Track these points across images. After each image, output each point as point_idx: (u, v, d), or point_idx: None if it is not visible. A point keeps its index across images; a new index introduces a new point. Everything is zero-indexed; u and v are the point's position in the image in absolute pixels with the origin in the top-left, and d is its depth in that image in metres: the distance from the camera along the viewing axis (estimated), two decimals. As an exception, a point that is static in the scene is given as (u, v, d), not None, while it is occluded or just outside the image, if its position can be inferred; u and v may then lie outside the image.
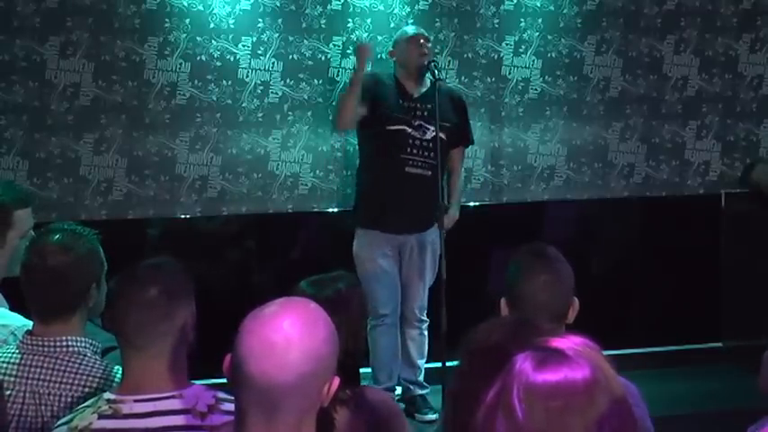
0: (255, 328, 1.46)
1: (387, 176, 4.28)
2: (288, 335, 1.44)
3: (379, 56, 4.68)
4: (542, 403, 1.09)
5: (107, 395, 1.87)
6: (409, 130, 4.26)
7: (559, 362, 1.12)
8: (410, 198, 4.23)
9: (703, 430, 3.97)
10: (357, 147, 4.55)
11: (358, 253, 4.33)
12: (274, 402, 1.44)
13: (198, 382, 1.94)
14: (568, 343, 1.16)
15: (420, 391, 4.44)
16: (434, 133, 4.22)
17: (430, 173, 4.24)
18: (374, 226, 4.30)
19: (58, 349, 2.10)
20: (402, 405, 4.45)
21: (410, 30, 4.43)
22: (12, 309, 2.47)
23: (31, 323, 2.22)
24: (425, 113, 4.29)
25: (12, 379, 2.08)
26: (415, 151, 4.26)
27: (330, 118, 4.65)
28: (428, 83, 4.35)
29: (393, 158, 4.25)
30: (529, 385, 1.10)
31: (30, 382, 2.08)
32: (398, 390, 4.46)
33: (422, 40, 4.32)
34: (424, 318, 4.42)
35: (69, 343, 2.11)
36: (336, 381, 1.52)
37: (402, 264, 4.36)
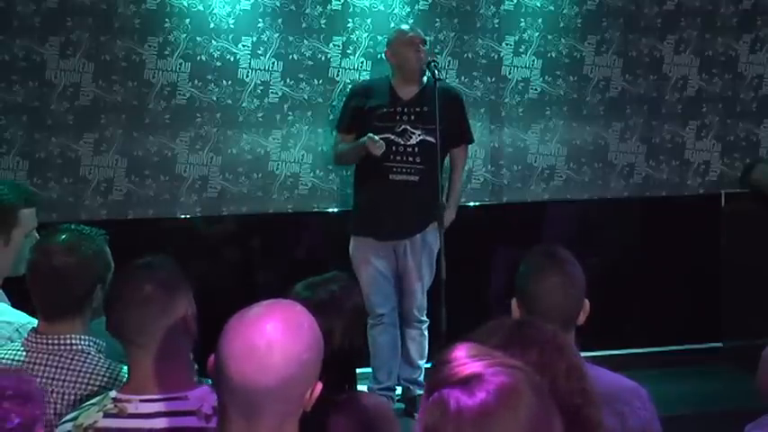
0: (238, 329, 1.45)
1: (372, 186, 4.27)
2: (270, 338, 1.42)
3: (378, 56, 4.67)
4: (489, 425, 1.10)
5: (113, 394, 1.87)
6: (392, 137, 4.21)
7: (483, 383, 1.13)
8: (397, 205, 4.21)
9: (703, 430, 3.97)
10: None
11: (353, 255, 4.33)
12: (255, 405, 1.43)
13: (199, 382, 1.94)
14: (471, 361, 1.16)
15: (420, 391, 4.43)
16: (421, 137, 4.21)
17: (417, 178, 4.21)
18: (366, 234, 4.30)
19: (62, 347, 2.11)
20: (402, 405, 4.45)
21: (406, 31, 4.36)
22: (14, 307, 2.47)
23: (35, 321, 2.23)
24: (413, 117, 4.24)
25: None
26: (399, 158, 4.22)
27: (332, 157, 4.59)
28: (424, 83, 4.32)
29: (377, 167, 4.21)
30: (472, 414, 1.11)
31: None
32: (398, 390, 4.46)
33: (419, 45, 4.27)
34: (424, 318, 4.41)
35: (73, 341, 2.12)
36: (319, 386, 1.50)
37: (398, 264, 4.36)
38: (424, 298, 4.39)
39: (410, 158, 4.23)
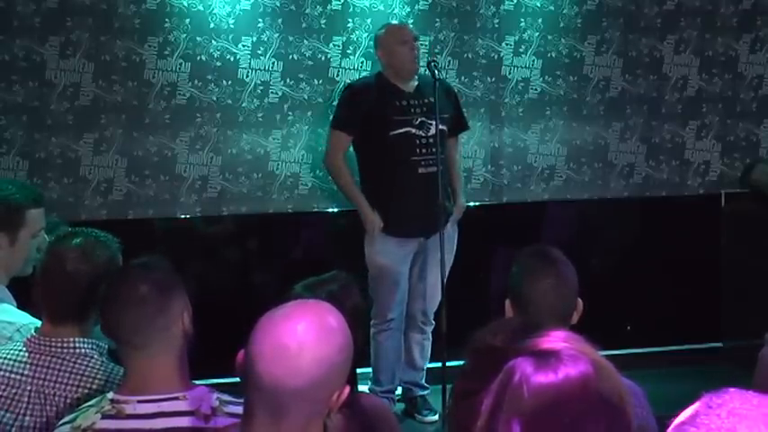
0: (270, 328, 1.44)
1: (401, 182, 4.14)
2: (302, 340, 1.42)
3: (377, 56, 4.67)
4: (547, 406, 1.10)
5: (110, 395, 1.87)
6: (413, 131, 4.16)
7: (558, 362, 1.13)
8: (426, 199, 4.08)
9: (703, 430, 3.96)
10: (355, 154, 4.38)
11: (374, 258, 4.20)
12: (282, 405, 1.43)
13: (198, 382, 1.94)
14: (561, 341, 1.16)
15: (421, 392, 4.43)
16: (437, 128, 4.14)
17: (436, 168, 4.11)
18: (393, 233, 4.18)
19: (65, 350, 2.11)
20: (402, 405, 4.45)
21: (397, 28, 4.32)
22: (18, 307, 2.48)
23: (37, 321, 2.23)
24: (424, 109, 4.19)
25: (19, 377, 2.09)
26: (424, 151, 4.15)
27: (324, 161, 4.48)
28: (417, 77, 4.28)
29: (404, 163, 4.13)
30: (531, 390, 1.10)
31: (36, 381, 2.09)
32: (399, 390, 4.45)
33: (412, 41, 4.23)
34: (432, 320, 4.34)
35: (77, 344, 2.12)
36: (347, 389, 1.50)
37: (415, 264, 4.28)
38: (439, 298, 4.23)
39: (432, 150, 4.15)
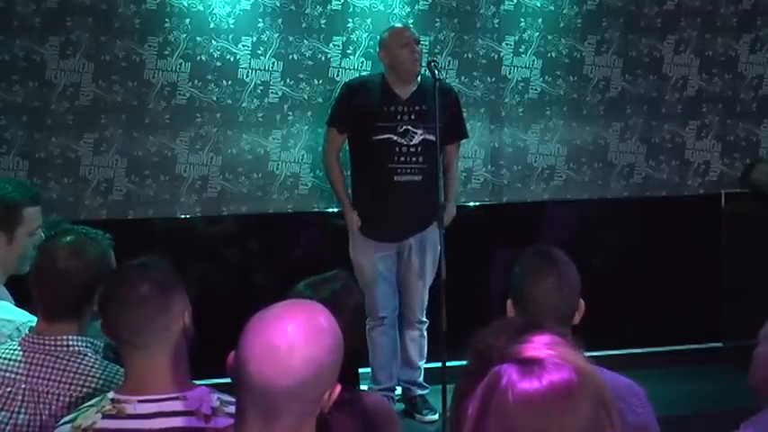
0: (260, 329, 1.45)
1: (376, 188, 4.22)
2: (291, 340, 1.43)
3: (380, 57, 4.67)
4: (532, 413, 1.11)
5: (111, 395, 1.87)
6: (395, 138, 4.17)
7: (542, 370, 1.13)
8: (402, 207, 4.17)
9: (703, 430, 3.96)
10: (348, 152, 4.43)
11: (355, 258, 4.29)
12: (273, 405, 1.43)
13: (198, 382, 1.94)
14: (544, 348, 1.17)
15: (420, 392, 4.43)
16: (422, 136, 4.16)
17: (420, 177, 4.17)
18: (370, 236, 4.27)
19: (59, 348, 2.12)
20: (402, 405, 4.45)
21: (400, 30, 4.30)
22: (16, 305, 2.48)
23: (35, 319, 2.24)
24: (413, 116, 4.19)
25: (14, 376, 2.09)
26: (402, 159, 4.18)
27: (321, 156, 4.51)
28: (419, 80, 4.28)
29: (380, 169, 4.17)
30: (516, 396, 1.11)
31: (30, 379, 2.09)
32: (398, 390, 4.46)
33: (414, 44, 4.22)
34: (424, 319, 4.40)
35: (71, 342, 2.12)
36: (338, 388, 1.51)
37: (400, 264, 4.34)
38: (426, 297, 4.38)
39: (413, 159, 4.19)
